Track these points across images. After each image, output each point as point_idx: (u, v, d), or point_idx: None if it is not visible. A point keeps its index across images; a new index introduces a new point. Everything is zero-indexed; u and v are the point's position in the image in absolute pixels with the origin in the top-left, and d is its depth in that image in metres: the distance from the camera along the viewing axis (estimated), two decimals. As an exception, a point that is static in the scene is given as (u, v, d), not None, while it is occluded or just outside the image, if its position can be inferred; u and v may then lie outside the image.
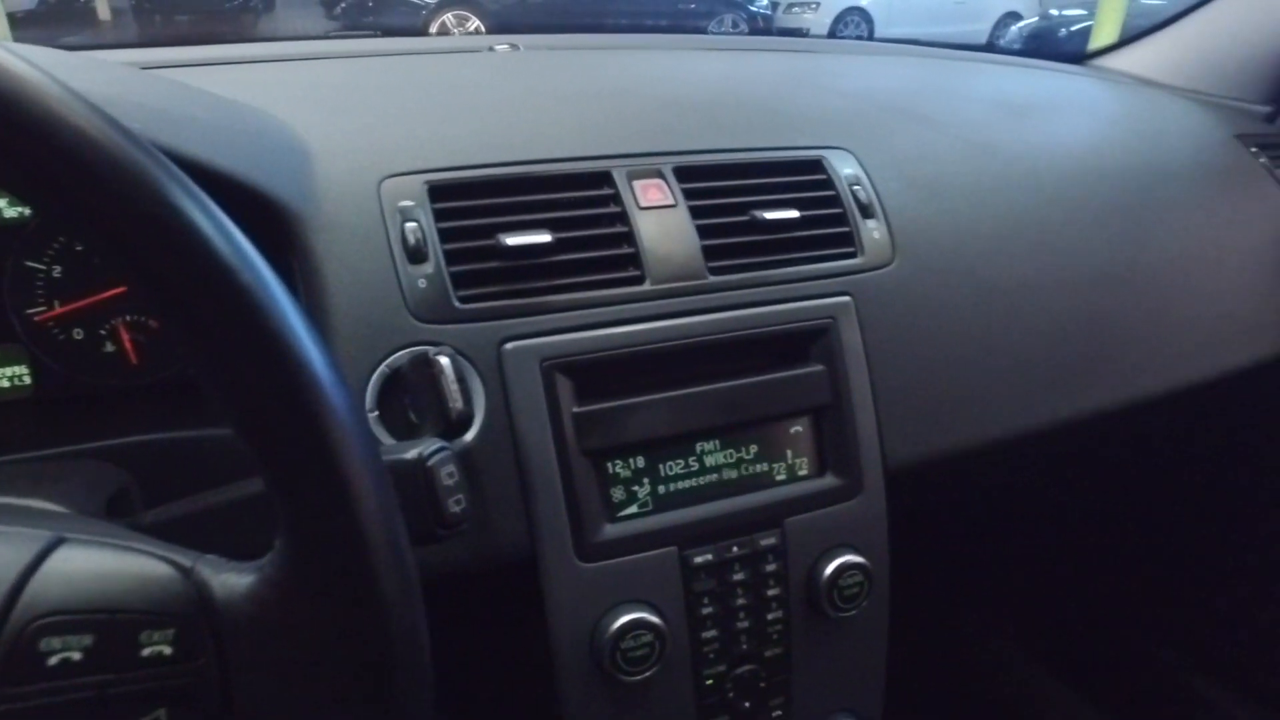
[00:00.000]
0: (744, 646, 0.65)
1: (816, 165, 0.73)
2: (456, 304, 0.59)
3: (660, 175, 0.67)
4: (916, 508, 0.79)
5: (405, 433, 0.55)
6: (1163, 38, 1.22)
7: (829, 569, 0.65)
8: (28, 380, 0.61)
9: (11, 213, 0.60)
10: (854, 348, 0.68)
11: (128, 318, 0.63)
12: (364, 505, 0.32)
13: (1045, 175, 0.83)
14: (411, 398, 0.56)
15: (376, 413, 0.56)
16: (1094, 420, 0.78)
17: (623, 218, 0.64)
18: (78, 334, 0.62)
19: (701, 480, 0.63)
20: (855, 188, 0.72)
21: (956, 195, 0.77)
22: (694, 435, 0.63)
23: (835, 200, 0.71)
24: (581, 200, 0.64)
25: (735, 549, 0.63)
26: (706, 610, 0.63)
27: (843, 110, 0.82)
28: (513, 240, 0.60)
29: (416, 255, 0.59)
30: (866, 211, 0.72)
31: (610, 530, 0.60)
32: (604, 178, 0.66)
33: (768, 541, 0.64)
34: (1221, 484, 1.19)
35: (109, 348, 0.62)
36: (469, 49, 0.97)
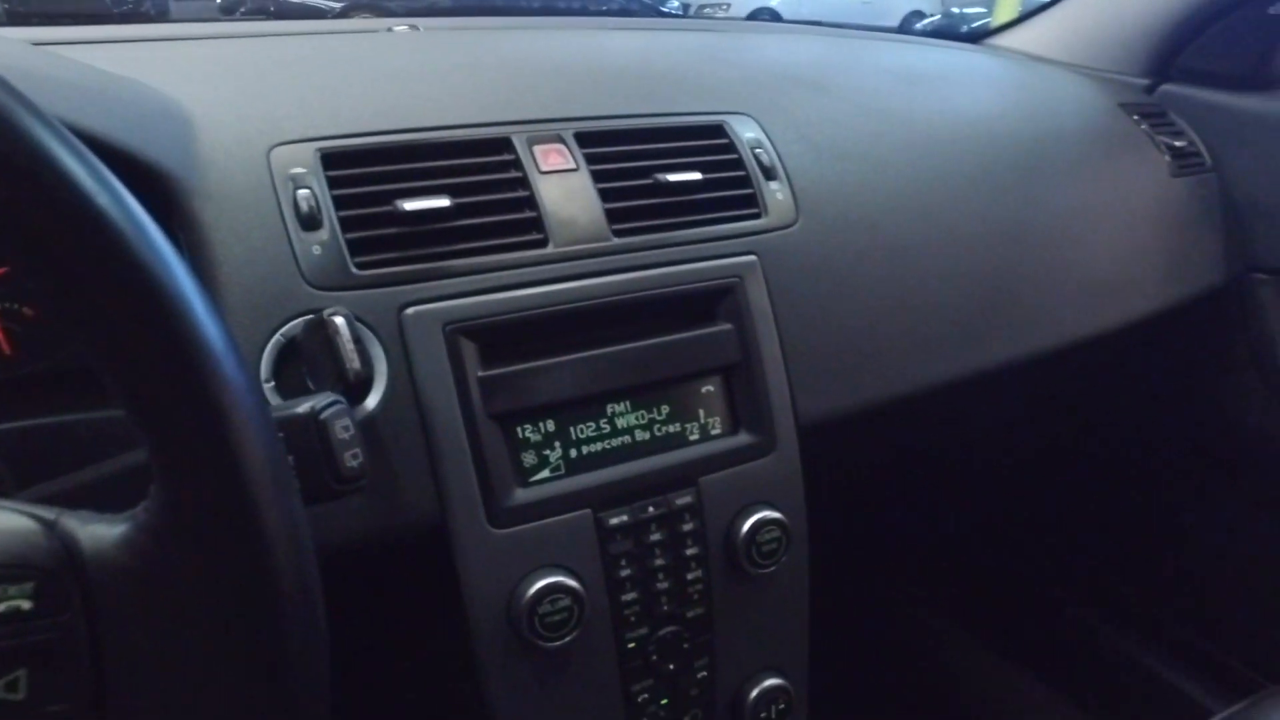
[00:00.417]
0: (665, 608, 0.64)
1: (718, 130, 0.73)
2: (354, 270, 0.57)
3: (561, 140, 0.66)
4: (834, 466, 0.80)
5: (303, 401, 0.54)
6: (1051, 17, 1.26)
7: (746, 526, 0.65)
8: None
9: None
10: (761, 306, 0.68)
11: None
12: (242, 438, 0.31)
13: (942, 140, 0.85)
14: (308, 366, 0.54)
15: (272, 383, 0.54)
16: (998, 373, 0.80)
17: (523, 182, 0.64)
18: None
19: (614, 442, 0.63)
20: (757, 150, 0.73)
21: (857, 158, 0.79)
22: (604, 397, 0.62)
23: (738, 163, 0.72)
24: (480, 166, 0.63)
25: (651, 509, 0.63)
26: (625, 572, 0.62)
27: (744, 80, 0.83)
28: (410, 205, 0.59)
29: (310, 223, 0.57)
30: (769, 174, 0.73)
31: (522, 495, 0.59)
32: (503, 144, 0.65)
33: (683, 501, 0.64)
34: (1124, 438, 1.24)
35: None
36: (366, 30, 0.96)
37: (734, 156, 0.72)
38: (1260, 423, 1.09)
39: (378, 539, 0.56)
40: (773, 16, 9.98)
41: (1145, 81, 1.15)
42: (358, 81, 0.69)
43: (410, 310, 0.57)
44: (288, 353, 0.55)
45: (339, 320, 0.52)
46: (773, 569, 0.67)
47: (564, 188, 0.65)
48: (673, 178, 0.67)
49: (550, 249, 0.62)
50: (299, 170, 0.58)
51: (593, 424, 0.62)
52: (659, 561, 0.63)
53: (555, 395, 0.60)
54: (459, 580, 0.58)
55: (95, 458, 0.51)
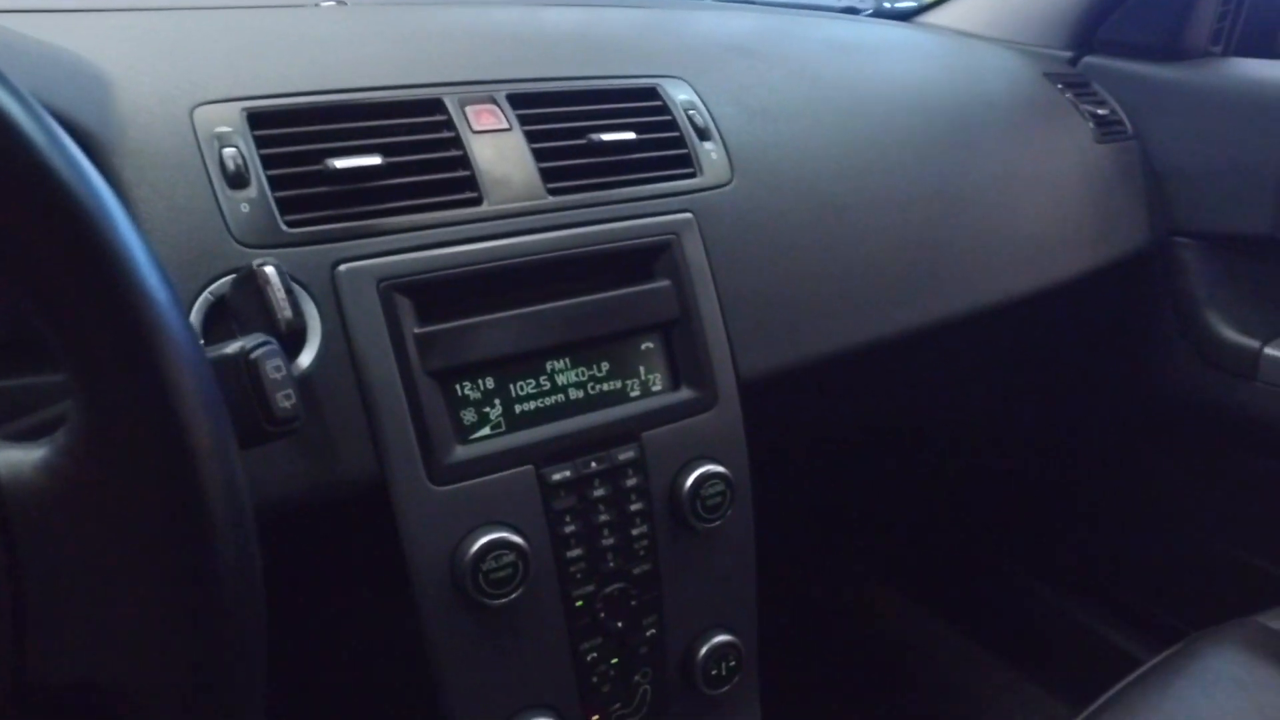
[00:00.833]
0: (611, 564, 0.64)
1: (651, 92, 0.74)
2: (284, 228, 0.56)
3: (493, 101, 0.66)
4: (778, 423, 0.81)
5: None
6: (977, -5, 1.30)
7: (690, 480, 0.65)
8: None
9: None
10: (698, 263, 0.68)
11: None
12: (168, 354, 0.30)
13: (873, 104, 0.87)
14: (238, 321, 0.53)
15: (202, 342, 0.53)
16: (934, 330, 0.82)
17: (456, 142, 0.63)
18: None
19: (554, 399, 0.63)
20: (690, 112, 0.74)
21: (790, 120, 0.80)
22: (543, 354, 0.62)
23: (671, 124, 0.72)
24: (411, 126, 0.63)
25: (594, 465, 0.63)
26: (569, 529, 0.62)
27: (678, 47, 0.83)
28: (341, 164, 0.58)
29: (237, 181, 0.56)
30: (703, 134, 0.73)
31: (462, 452, 0.59)
32: (434, 104, 0.64)
33: (626, 456, 0.64)
34: (1056, 399, 1.27)
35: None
36: (291, 4, 0.94)
37: (668, 118, 0.73)
38: (1184, 380, 1.13)
39: (317, 498, 0.55)
40: None
41: (1068, 54, 1.19)
42: (283, 46, 0.68)
43: (343, 267, 0.57)
44: (216, 312, 0.54)
45: (269, 270, 0.51)
46: (718, 523, 0.67)
47: (497, 147, 0.64)
48: (607, 137, 0.68)
49: (485, 207, 0.62)
50: (224, 129, 0.57)
51: (532, 381, 0.62)
52: (603, 517, 0.63)
53: (494, 352, 0.60)
54: (400, 538, 0.57)
55: None
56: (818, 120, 0.81)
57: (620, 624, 0.66)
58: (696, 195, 0.70)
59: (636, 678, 0.68)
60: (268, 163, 0.57)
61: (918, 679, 1.35)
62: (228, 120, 0.58)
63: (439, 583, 0.58)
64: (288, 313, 0.50)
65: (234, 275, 0.53)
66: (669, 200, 0.69)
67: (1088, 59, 1.18)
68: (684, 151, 0.72)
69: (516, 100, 0.67)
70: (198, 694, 0.31)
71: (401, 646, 0.66)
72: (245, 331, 0.52)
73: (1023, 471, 1.34)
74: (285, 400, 0.41)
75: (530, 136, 0.66)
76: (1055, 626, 1.30)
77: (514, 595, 0.59)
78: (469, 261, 0.60)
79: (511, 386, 0.61)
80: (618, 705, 0.68)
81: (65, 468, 0.30)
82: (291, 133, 0.59)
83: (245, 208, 0.56)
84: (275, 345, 0.42)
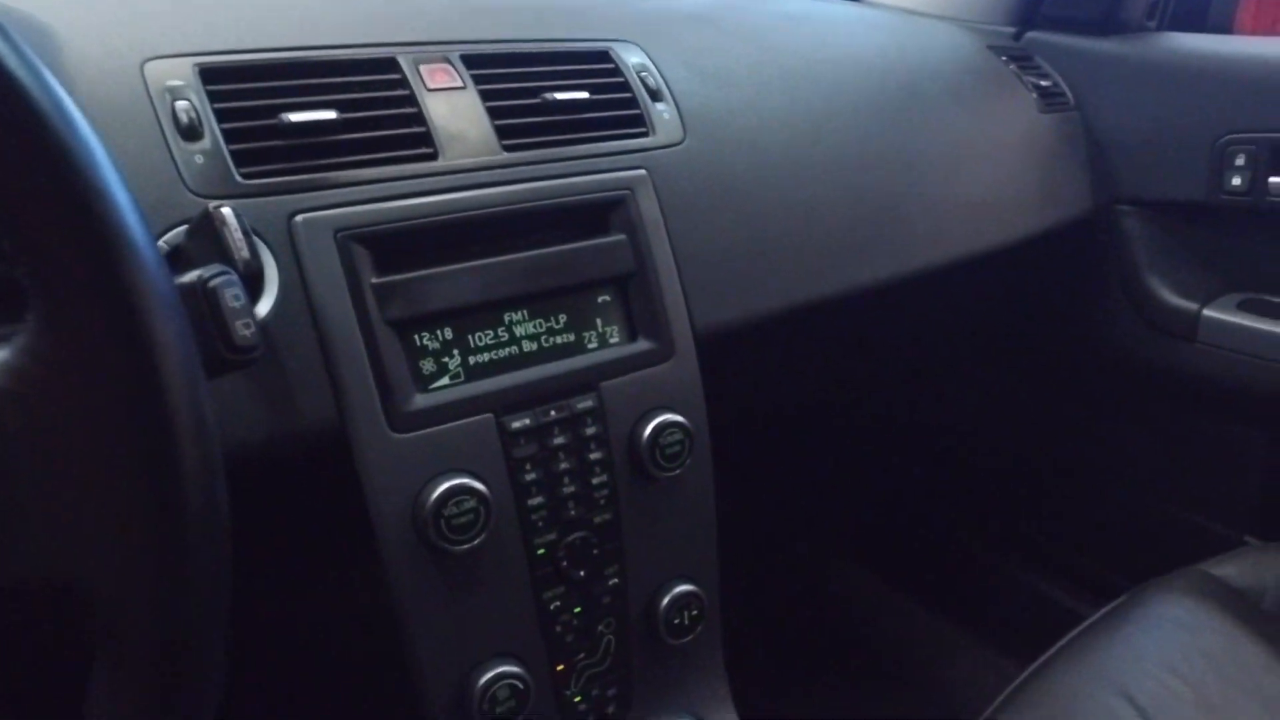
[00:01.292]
0: (572, 513, 0.65)
1: (604, 55, 0.75)
2: (239, 179, 0.56)
3: (447, 61, 0.67)
4: (736, 377, 0.83)
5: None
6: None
7: (648, 429, 0.67)
8: None
9: None
10: (653, 218, 0.70)
11: None
12: (130, 251, 0.30)
13: (823, 71, 0.89)
14: (195, 269, 0.53)
15: None
16: (883, 289, 0.84)
17: (410, 99, 0.64)
18: None
19: (513, 350, 0.64)
20: (643, 74, 0.75)
21: (741, 84, 0.81)
22: (500, 305, 0.63)
23: (624, 86, 0.74)
24: (365, 84, 0.63)
25: (553, 413, 0.64)
26: (530, 476, 0.63)
27: (629, 13, 0.84)
28: (296, 117, 0.59)
29: (190, 133, 0.56)
30: (655, 96, 0.75)
31: (421, 400, 0.59)
32: (389, 63, 0.65)
33: (585, 405, 0.65)
34: (1005, 362, 1.31)
35: None
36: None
37: (620, 79, 0.74)
38: (1128, 342, 1.17)
39: (278, 444, 0.55)
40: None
41: (1012, 29, 1.22)
42: (236, 3, 0.68)
43: (300, 217, 0.57)
44: (172, 261, 0.54)
45: (225, 211, 0.51)
46: (677, 472, 0.68)
47: (451, 104, 0.65)
48: (560, 96, 0.69)
49: (440, 162, 0.63)
50: (176, 83, 0.57)
51: (491, 332, 0.63)
52: (563, 466, 0.64)
53: (451, 302, 0.61)
54: (362, 485, 0.58)
55: None
56: (768, 85, 0.83)
57: (582, 573, 0.67)
58: (650, 153, 0.72)
59: (600, 627, 0.69)
60: (221, 116, 0.58)
61: (871, 642, 1.37)
62: (179, 75, 0.58)
63: (402, 530, 0.59)
64: (245, 253, 0.50)
65: (188, 224, 0.53)
66: (623, 158, 0.70)
67: (1030, 34, 1.22)
68: (637, 112, 0.73)
69: (470, 60, 0.68)
70: (165, 597, 0.31)
71: (370, 603, 0.66)
72: (202, 275, 0.53)
73: (972, 435, 1.37)
74: (245, 329, 0.42)
75: (484, 95, 0.67)
76: (1006, 589, 1.33)
77: (476, 542, 0.60)
78: (426, 213, 0.61)
79: (470, 337, 0.62)
80: (582, 655, 0.69)
81: (25, 366, 0.30)
82: (245, 88, 0.59)
83: (199, 159, 0.56)
84: (233, 275, 0.42)
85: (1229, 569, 0.95)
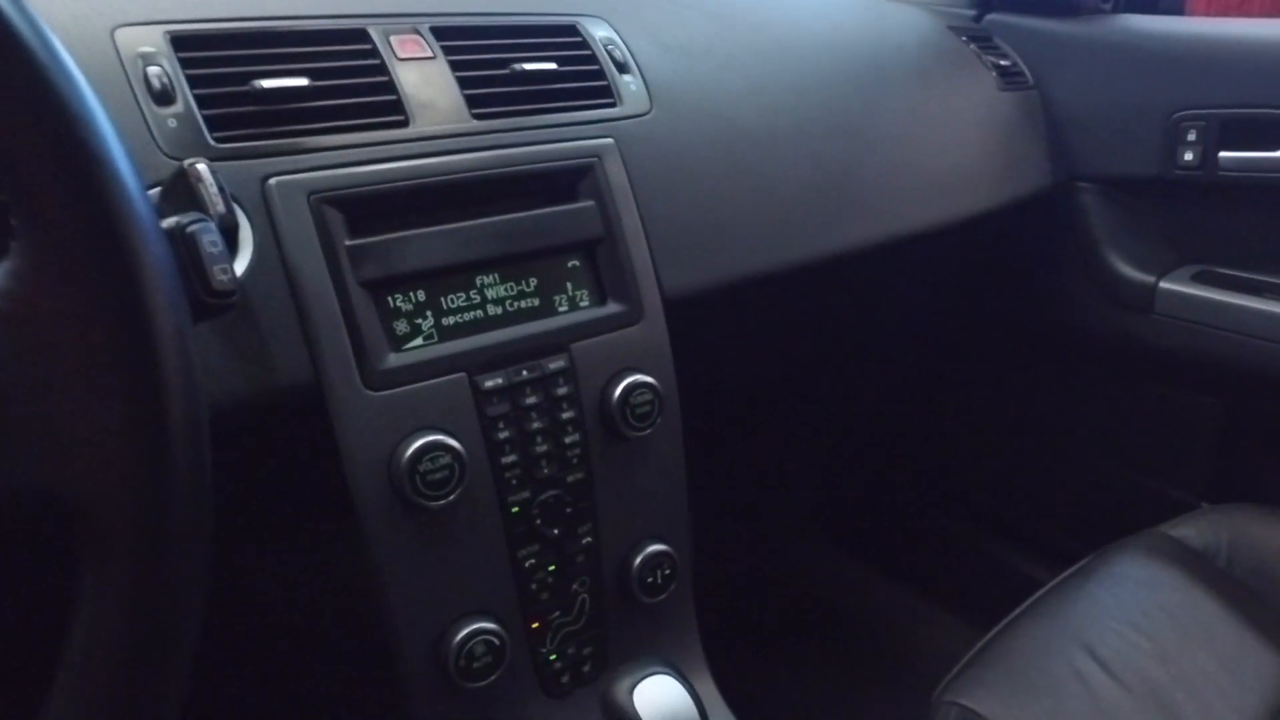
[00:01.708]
0: (545, 471, 0.67)
1: (571, 29, 0.76)
2: (212, 142, 0.57)
3: (417, 32, 0.68)
4: (705, 343, 0.84)
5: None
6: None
7: (619, 389, 0.68)
8: None
9: None
10: (621, 185, 0.71)
11: None
12: (113, 170, 0.32)
13: (787, 46, 0.91)
14: (170, 228, 0.54)
15: None
16: (848, 258, 0.86)
17: (381, 69, 0.65)
18: None
19: (485, 311, 0.65)
20: (609, 47, 0.77)
21: (706, 57, 0.83)
22: (472, 268, 0.65)
23: (591, 58, 0.75)
24: (337, 53, 0.65)
25: (525, 373, 0.65)
26: (503, 434, 0.64)
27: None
28: (268, 84, 0.60)
29: (163, 98, 0.57)
30: (622, 68, 0.76)
31: (395, 359, 0.61)
32: (359, 34, 0.66)
33: (556, 365, 0.66)
34: (967, 335, 1.34)
35: None
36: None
37: (587, 52, 0.75)
38: (1088, 316, 1.20)
39: (255, 403, 0.56)
40: None
41: (972, 11, 1.25)
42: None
43: (273, 180, 0.58)
44: (148, 221, 0.55)
45: (200, 167, 0.52)
46: (648, 431, 0.70)
47: (422, 74, 0.66)
48: (529, 67, 0.70)
49: (411, 129, 0.64)
50: (147, 49, 0.58)
51: (463, 295, 0.64)
52: (536, 425, 0.66)
53: (423, 264, 0.62)
54: (339, 444, 0.59)
55: None
56: (732, 58, 0.85)
57: (556, 531, 0.68)
58: (617, 123, 0.74)
59: (575, 586, 0.70)
60: (193, 82, 0.59)
61: (836, 613, 1.40)
62: (150, 41, 0.59)
63: (378, 486, 0.60)
64: (221, 207, 0.51)
65: (163, 184, 0.54)
66: (590, 127, 0.72)
67: (990, 16, 1.25)
68: (604, 83, 0.75)
69: (440, 32, 0.69)
70: (150, 510, 0.32)
71: (347, 566, 0.67)
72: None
73: (935, 408, 1.40)
74: (222, 274, 0.43)
75: (454, 65, 0.68)
76: (970, 558, 1.37)
77: (451, 498, 0.61)
78: (398, 178, 0.62)
79: (443, 299, 0.63)
80: (557, 613, 0.70)
81: (12, 289, 0.31)
82: (216, 55, 0.60)
83: (172, 123, 0.57)
84: (210, 222, 0.44)
85: (1186, 530, 0.98)
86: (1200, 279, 1.13)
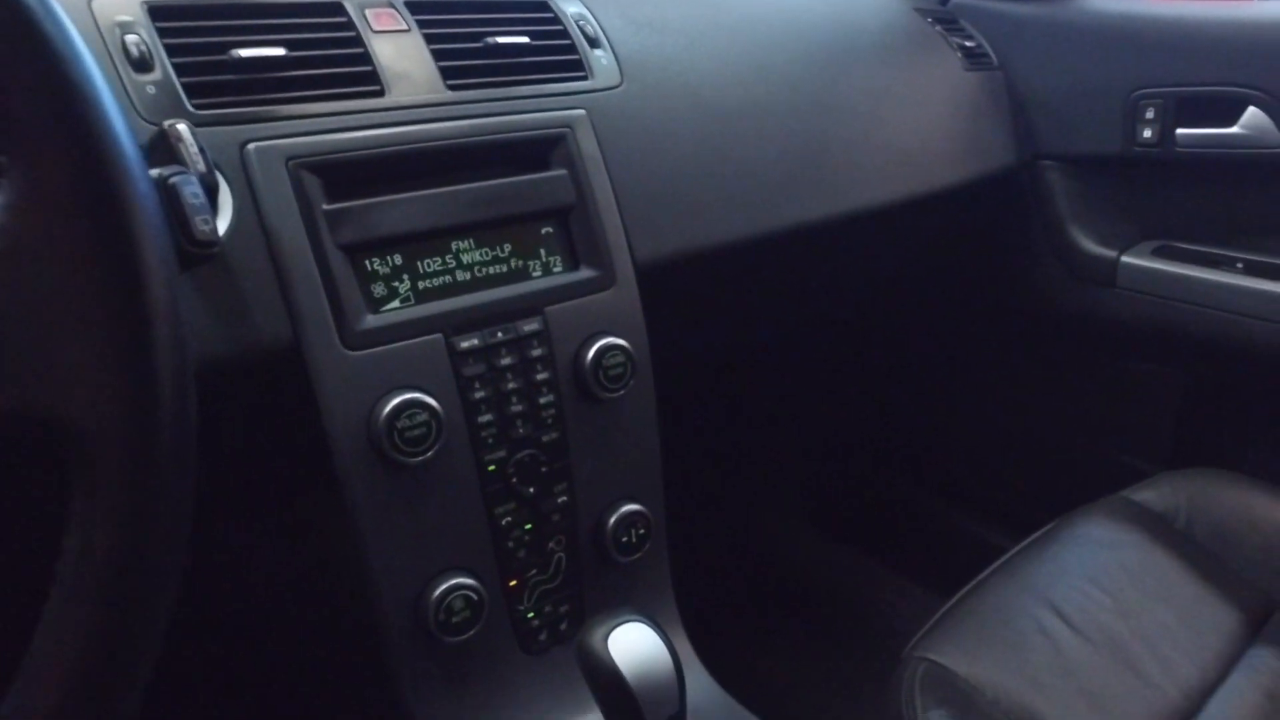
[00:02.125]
0: (521, 431, 0.69)
1: (543, 5, 0.78)
2: (191, 108, 0.59)
3: (391, 6, 0.70)
4: (677, 312, 0.86)
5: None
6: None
7: (592, 351, 0.70)
8: None
9: None
10: (592, 154, 0.73)
11: None
12: (101, 110, 0.33)
13: (755, 24, 0.93)
14: (151, 190, 0.55)
15: None
16: (815, 229, 0.89)
17: (357, 40, 0.67)
18: None
19: (460, 276, 0.67)
20: (581, 23, 0.79)
21: (676, 32, 0.85)
22: (448, 233, 0.66)
23: (563, 33, 0.77)
24: (312, 25, 0.66)
25: (500, 335, 0.67)
26: (479, 394, 0.66)
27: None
28: (246, 53, 0.61)
29: (141, 65, 0.59)
30: (593, 42, 0.78)
31: (373, 320, 0.62)
32: (335, 7, 0.68)
33: (531, 327, 0.68)
34: (935, 310, 1.37)
35: None
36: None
37: (559, 27, 0.77)
38: (1053, 291, 1.23)
39: (236, 362, 0.58)
40: None
41: (939, -5, 1.28)
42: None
43: (252, 146, 0.60)
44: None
45: (181, 127, 0.53)
46: (621, 393, 0.72)
47: (397, 46, 0.68)
48: (502, 40, 0.72)
49: (387, 99, 0.66)
50: (125, 18, 0.60)
51: (439, 259, 0.66)
52: (511, 385, 0.68)
53: (400, 228, 0.64)
54: (317, 401, 0.61)
55: None
56: (701, 34, 0.87)
57: (532, 490, 0.70)
58: (588, 95, 0.76)
59: (551, 544, 0.72)
60: (171, 51, 0.60)
61: (804, 584, 1.43)
62: (127, 11, 0.60)
63: (357, 443, 0.62)
64: (201, 166, 0.53)
65: (143, 146, 0.56)
66: (563, 99, 0.74)
67: (955, -1, 1.27)
68: (575, 57, 0.77)
69: (414, 6, 0.71)
70: (138, 434, 0.34)
71: (326, 526, 0.69)
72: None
73: (901, 381, 1.43)
74: (204, 224, 0.45)
75: (429, 38, 0.70)
76: (937, 529, 1.40)
77: (429, 454, 0.63)
78: (374, 144, 0.64)
79: (419, 263, 0.65)
80: (534, 571, 0.72)
81: (6, 224, 0.33)
82: (193, 25, 0.62)
83: (151, 89, 0.58)
84: (190, 174, 0.45)
85: (1147, 494, 1.01)
86: (1160, 253, 1.16)
